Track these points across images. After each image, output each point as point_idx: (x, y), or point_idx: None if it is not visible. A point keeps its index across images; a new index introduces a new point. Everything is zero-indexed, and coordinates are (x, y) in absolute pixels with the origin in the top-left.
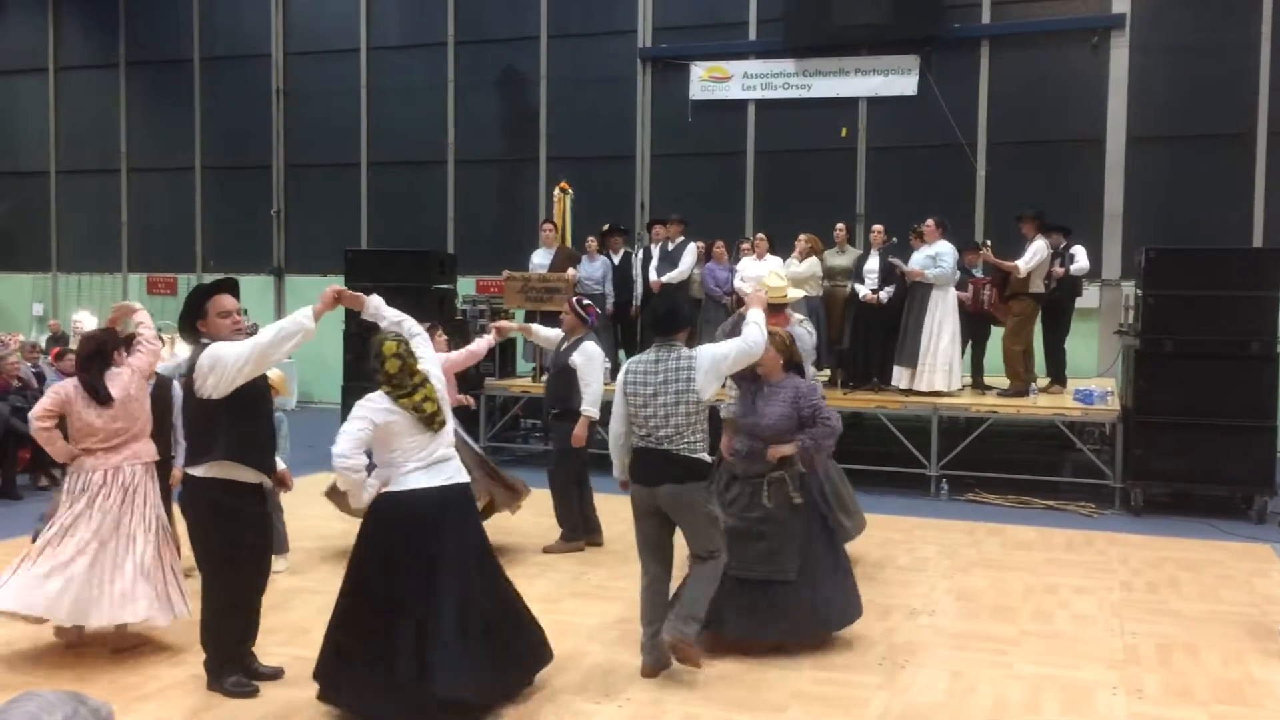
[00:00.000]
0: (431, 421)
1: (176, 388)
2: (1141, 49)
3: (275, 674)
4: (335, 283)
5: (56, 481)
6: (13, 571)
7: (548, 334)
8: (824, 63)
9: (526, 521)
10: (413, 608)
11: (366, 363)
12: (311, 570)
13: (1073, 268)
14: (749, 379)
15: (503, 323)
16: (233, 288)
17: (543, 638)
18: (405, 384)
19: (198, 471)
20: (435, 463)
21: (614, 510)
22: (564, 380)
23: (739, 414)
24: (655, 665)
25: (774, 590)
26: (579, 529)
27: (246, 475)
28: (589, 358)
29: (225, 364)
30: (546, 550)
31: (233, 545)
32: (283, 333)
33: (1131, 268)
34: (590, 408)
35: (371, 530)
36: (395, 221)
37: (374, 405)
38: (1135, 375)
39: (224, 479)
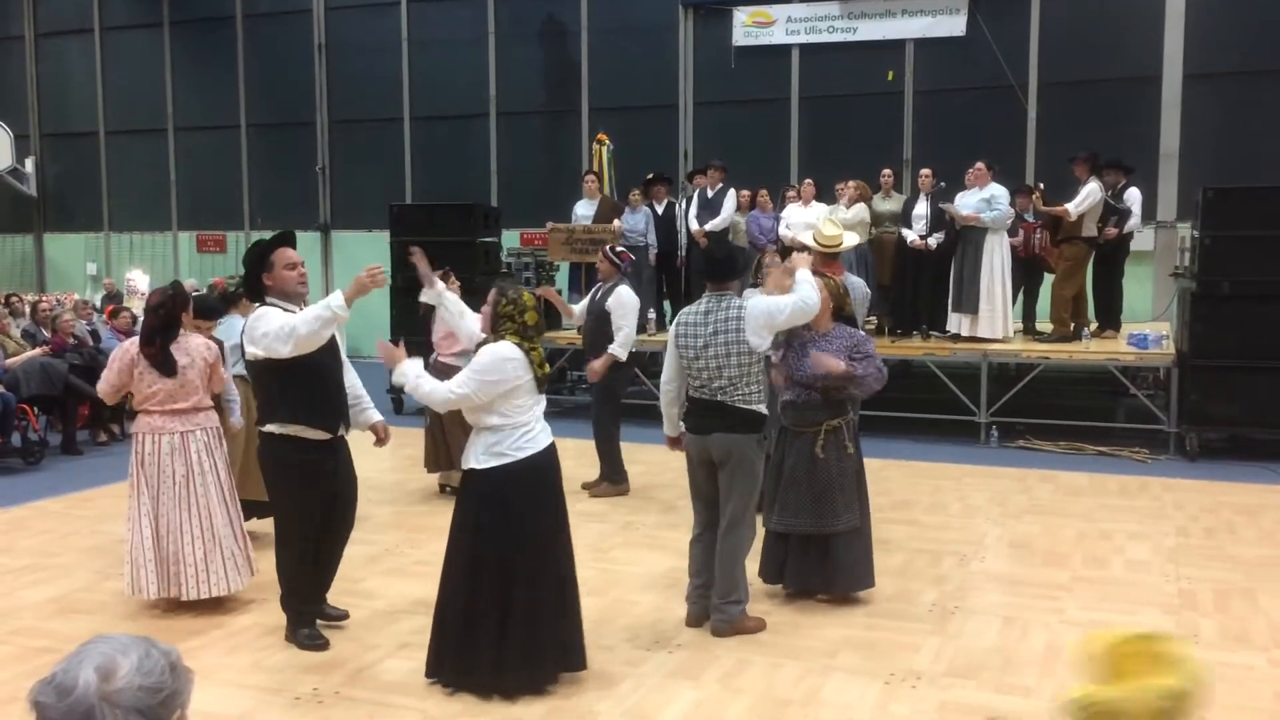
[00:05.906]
0: (542, 383)
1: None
2: None
3: (341, 615)
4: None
5: (117, 437)
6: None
7: (578, 309)
8: (869, 4)
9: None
10: (541, 569)
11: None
12: (361, 522)
13: (1127, 225)
14: (797, 330)
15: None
16: (291, 240)
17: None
18: (534, 339)
19: (267, 429)
20: (542, 421)
21: (663, 460)
22: (600, 326)
23: (793, 366)
24: (701, 615)
25: (833, 542)
26: (623, 472)
27: (313, 434)
28: (621, 302)
29: (264, 334)
30: (593, 495)
31: (302, 499)
32: (319, 321)
33: (1188, 209)
34: (617, 349)
35: (511, 494)
36: (439, 175)
37: (517, 360)
38: (1191, 318)
39: (292, 435)
